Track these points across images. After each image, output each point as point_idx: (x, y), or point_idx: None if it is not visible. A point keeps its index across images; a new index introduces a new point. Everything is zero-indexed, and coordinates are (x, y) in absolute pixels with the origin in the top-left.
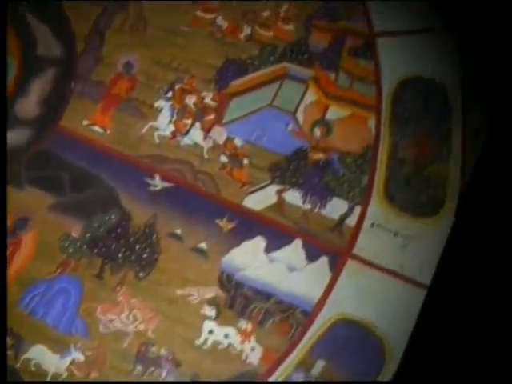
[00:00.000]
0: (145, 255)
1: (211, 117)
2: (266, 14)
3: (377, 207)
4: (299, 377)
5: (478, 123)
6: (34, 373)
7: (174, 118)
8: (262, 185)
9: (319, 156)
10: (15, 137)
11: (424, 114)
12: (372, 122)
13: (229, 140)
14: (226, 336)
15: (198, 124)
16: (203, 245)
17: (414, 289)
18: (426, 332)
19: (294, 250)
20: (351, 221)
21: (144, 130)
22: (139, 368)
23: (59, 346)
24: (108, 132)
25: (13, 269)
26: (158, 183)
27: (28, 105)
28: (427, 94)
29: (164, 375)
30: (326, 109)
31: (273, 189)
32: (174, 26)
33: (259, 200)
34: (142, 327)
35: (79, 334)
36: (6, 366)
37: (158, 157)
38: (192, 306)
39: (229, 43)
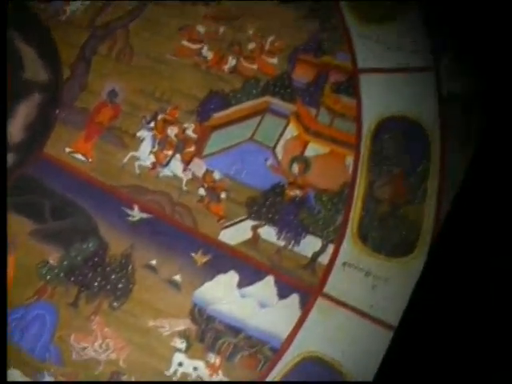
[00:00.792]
0: (120, 285)
1: (191, 149)
2: (251, 46)
3: (350, 246)
4: None
5: (455, 166)
6: None
7: (155, 149)
8: (238, 219)
9: (296, 193)
10: None
11: (402, 153)
12: (350, 160)
13: (208, 173)
14: (195, 369)
15: (178, 155)
16: (177, 277)
17: (381, 329)
18: (391, 373)
19: (266, 287)
20: (324, 259)
21: (125, 160)
22: None
23: (33, 371)
24: (90, 160)
25: None
26: (136, 214)
27: (13, 129)
28: (407, 133)
29: None
30: (305, 145)
31: (248, 224)
32: (160, 54)
33: (235, 234)
34: (113, 356)
35: (53, 361)
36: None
37: (138, 187)
38: (163, 338)
39: (213, 75)
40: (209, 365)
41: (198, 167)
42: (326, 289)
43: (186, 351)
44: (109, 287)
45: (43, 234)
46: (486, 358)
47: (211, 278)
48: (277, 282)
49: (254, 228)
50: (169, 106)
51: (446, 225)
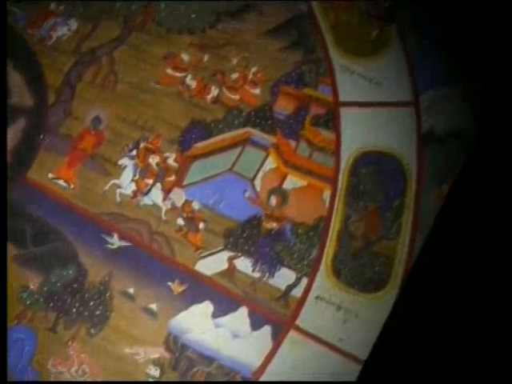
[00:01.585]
0: (97, 312)
1: (172, 178)
2: (234, 76)
3: (323, 280)
4: None
5: (430, 203)
6: None
7: (136, 177)
8: (215, 250)
9: (272, 225)
10: None
11: (379, 189)
12: (327, 194)
13: (187, 203)
14: None
15: (158, 184)
16: (153, 306)
17: (350, 363)
18: None
19: (239, 318)
20: (297, 292)
21: (107, 187)
22: None
23: None
24: (72, 187)
25: None
26: (115, 242)
27: None
28: (384, 168)
29: None
30: (283, 177)
31: (225, 255)
32: (144, 82)
33: (211, 265)
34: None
35: None
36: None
37: (118, 215)
38: (138, 365)
39: (196, 104)
40: None
41: (178, 197)
42: (298, 321)
43: (160, 378)
44: (87, 314)
45: (24, 259)
46: None
47: (187, 307)
48: (250, 314)
49: (230, 259)
50: (151, 134)
51: (418, 261)
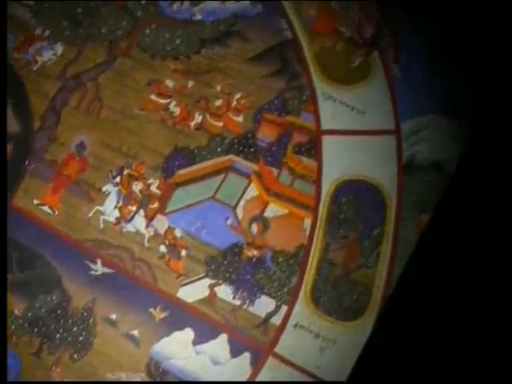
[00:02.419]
0: (81, 338)
1: (155, 205)
2: (218, 102)
3: (302, 308)
4: None
5: (409, 232)
6: None
7: (119, 204)
8: (197, 277)
9: (253, 253)
10: None
11: (359, 217)
12: (308, 222)
13: (170, 230)
14: None
15: (141, 211)
16: (135, 332)
17: None
18: None
19: (219, 345)
20: (277, 320)
21: (90, 214)
22: None
23: None
24: (56, 213)
25: None
26: (99, 268)
27: None
28: (364, 197)
29: None
30: (265, 205)
31: (206, 282)
32: (128, 108)
33: (192, 292)
34: None
35: None
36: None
37: (101, 242)
38: None
39: (179, 131)
40: None
41: (161, 224)
42: (277, 349)
43: None
44: (70, 339)
45: (10, 285)
46: None
47: (168, 334)
48: (230, 340)
49: (212, 286)
50: (135, 161)
51: (395, 289)
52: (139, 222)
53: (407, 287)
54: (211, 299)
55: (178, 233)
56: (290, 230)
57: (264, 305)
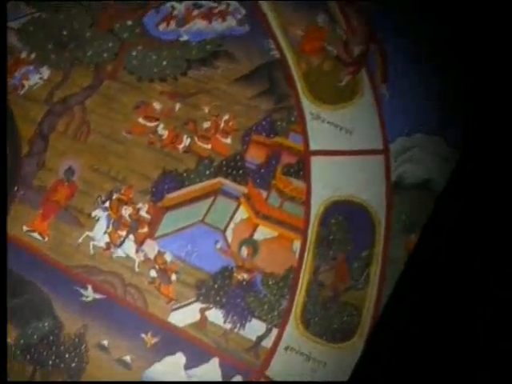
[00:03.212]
0: (73, 364)
1: (145, 230)
2: (206, 124)
3: (293, 331)
4: None
5: (398, 252)
6: None
7: (109, 229)
8: (187, 302)
9: (243, 276)
10: None
11: (348, 239)
12: (297, 244)
13: (160, 254)
14: None
15: (131, 236)
16: (127, 358)
17: None
18: None
19: (211, 369)
20: (267, 342)
21: (80, 240)
22: None
23: None
24: (46, 239)
25: None
26: (90, 294)
27: None
28: (353, 218)
29: None
30: (254, 228)
31: (197, 306)
32: (116, 132)
33: (183, 317)
34: None
35: None
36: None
37: (92, 268)
38: None
39: (167, 154)
40: None
41: (151, 248)
42: (268, 371)
43: None
44: (63, 366)
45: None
46: None
47: (160, 359)
48: (221, 364)
49: (202, 310)
50: (124, 185)
51: (385, 310)
52: (129, 246)
53: (397, 308)
54: (202, 323)
55: (168, 257)
56: (280, 253)
57: (255, 328)
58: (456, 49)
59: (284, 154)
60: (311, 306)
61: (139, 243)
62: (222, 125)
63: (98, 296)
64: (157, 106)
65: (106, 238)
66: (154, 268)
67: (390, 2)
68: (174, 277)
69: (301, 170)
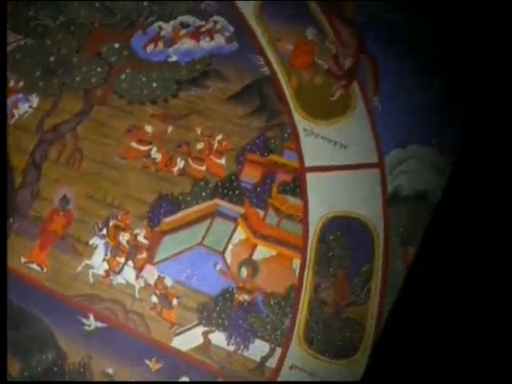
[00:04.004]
0: None
1: (143, 255)
2: (199, 146)
3: (296, 349)
4: None
5: (397, 265)
6: None
7: (107, 256)
8: (190, 326)
9: (244, 297)
10: None
11: (347, 254)
12: (297, 262)
13: (160, 279)
14: None
15: (130, 263)
16: None
17: None
18: None
19: None
20: (272, 362)
21: (79, 269)
22: None
23: None
24: (45, 270)
25: None
26: (91, 323)
27: None
28: (351, 233)
29: None
30: (253, 248)
31: (200, 330)
32: (109, 157)
33: (187, 341)
34: None
35: None
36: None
37: (92, 296)
38: None
39: (162, 177)
40: None
41: (150, 274)
42: None
43: None
44: None
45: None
46: None
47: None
48: None
49: (205, 334)
50: (120, 211)
51: (387, 324)
52: (128, 273)
53: (398, 321)
54: (206, 346)
55: (168, 282)
56: (280, 272)
57: (258, 348)
58: (448, 58)
59: (279, 171)
60: (314, 324)
61: (138, 269)
62: (216, 145)
63: (100, 324)
64: (149, 129)
65: (105, 266)
66: (154, 293)
67: (379, 14)
68: (175, 301)
69: (297, 187)
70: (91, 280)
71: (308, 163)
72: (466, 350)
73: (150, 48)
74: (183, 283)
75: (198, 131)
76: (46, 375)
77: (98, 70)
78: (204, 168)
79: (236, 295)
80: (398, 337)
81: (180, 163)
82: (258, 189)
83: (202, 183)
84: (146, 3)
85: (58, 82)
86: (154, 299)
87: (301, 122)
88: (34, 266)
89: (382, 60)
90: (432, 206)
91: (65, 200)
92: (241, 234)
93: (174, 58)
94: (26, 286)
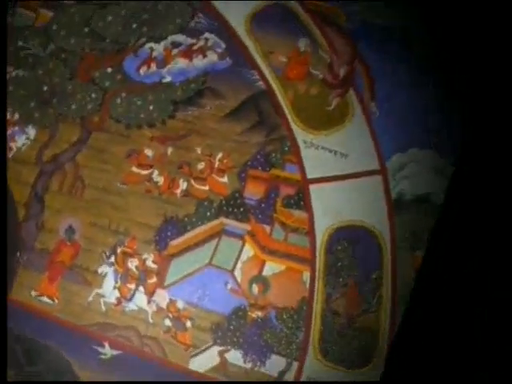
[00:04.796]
0: None
1: (153, 280)
2: (200, 166)
3: (312, 361)
4: None
5: (406, 269)
6: None
7: (118, 284)
8: (205, 347)
9: (257, 314)
10: None
11: (355, 263)
12: (307, 275)
13: (171, 303)
14: None
15: (141, 288)
16: None
17: None
18: None
19: None
20: (289, 376)
21: (90, 298)
22: None
23: None
24: (56, 302)
25: None
26: (107, 351)
27: None
28: (358, 242)
29: None
30: (262, 264)
31: (215, 350)
32: (110, 184)
33: (203, 362)
34: None
35: None
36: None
37: (106, 324)
38: None
39: (166, 200)
40: None
41: (162, 298)
42: None
43: None
44: None
45: (21, 380)
46: None
47: None
48: None
49: (221, 353)
50: (126, 237)
51: (400, 330)
52: (140, 299)
53: (411, 325)
54: (223, 366)
55: (180, 304)
56: (291, 285)
57: (275, 363)
58: (444, 61)
59: (282, 185)
60: (328, 335)
61: (150, 294)
62: (217, 164)
63: (115, 352)
64: (148, 152)
65: (116, 293)
66: (167, 317)
67: (371, 20)
68: (188, 323)
69: (301, 199)
70: (103, 308)
71: (310, 175)
72: (482, 355)
73: (143, 70)
74: (195, 304)
75: (198, 151)
76: None
77: (93, 96)
78: (207, 188)
79: (249, 312)
80: (412, 341)
81: (182, 185)
82: (263, 204)
83: (206, 203)
84: (134, 25)
85: (54, 112)
86: (168, 323)
87: (300, 133)
88: (45, 298)
89: (376, 65)
90: (435, 208)
91: (70, 230)
92: (249, 251)
93: (168, 79)
94: (39, 320)
